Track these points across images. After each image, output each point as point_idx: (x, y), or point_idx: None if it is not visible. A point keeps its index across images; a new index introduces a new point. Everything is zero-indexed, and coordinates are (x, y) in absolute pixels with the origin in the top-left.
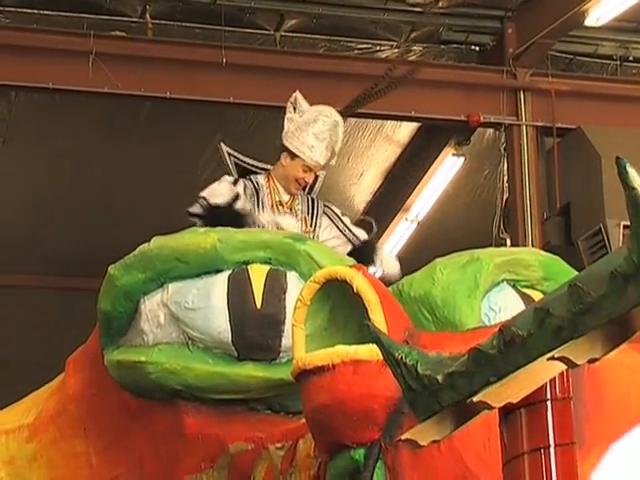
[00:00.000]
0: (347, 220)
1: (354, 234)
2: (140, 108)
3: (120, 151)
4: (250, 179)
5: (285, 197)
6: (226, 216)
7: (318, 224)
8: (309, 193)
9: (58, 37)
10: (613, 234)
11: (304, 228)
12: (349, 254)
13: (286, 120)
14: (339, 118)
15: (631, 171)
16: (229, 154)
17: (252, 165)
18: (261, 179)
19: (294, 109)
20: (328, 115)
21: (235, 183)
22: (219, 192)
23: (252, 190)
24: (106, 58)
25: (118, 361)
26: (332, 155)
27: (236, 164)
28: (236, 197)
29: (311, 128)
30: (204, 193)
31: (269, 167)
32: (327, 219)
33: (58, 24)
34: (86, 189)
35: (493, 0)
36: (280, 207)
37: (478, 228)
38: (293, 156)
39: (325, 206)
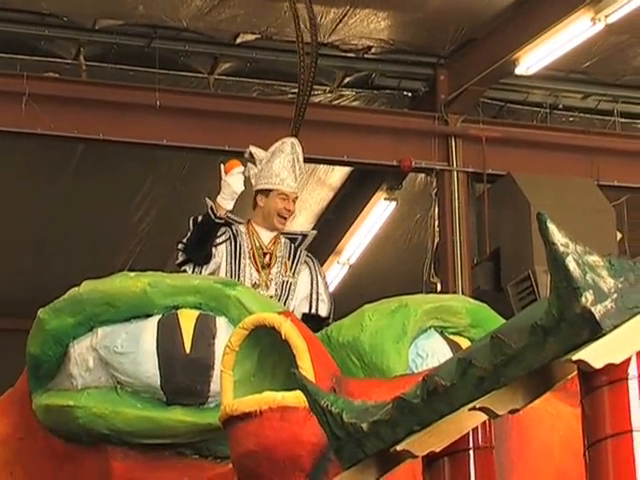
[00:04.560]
0: (322, 285)
1: (317, 307)
2: (73, 149)
3: (52, 192)
4: (229, 226)
5: (266, 241)
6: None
7: (297, 270)
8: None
9: None
10: (542, 280)
11: (283, 271)
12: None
13: (250, 175)
14: (293, 139)
15: (551, 227)
16: (212, 208)
17: (231, 218)
18: (241, 227)
19: (253, 163)
20: (282, 143)
21: None
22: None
23: (230, 235)
24: (39, 99)
25: (46, 405)
26: (301, 175)
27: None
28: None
29: (274, 162)
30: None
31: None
32: (308, 272)
33: None
34: (18, 229)
35: (425, 47)
36: (259, 252)
37: (409, 272)
38: (267, 192)
39: (308, 256)
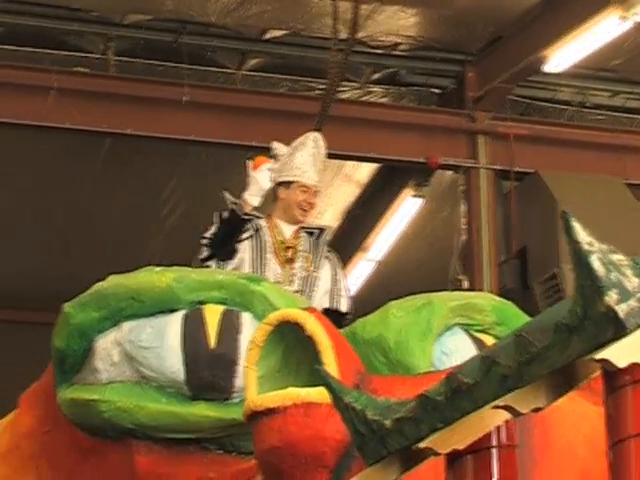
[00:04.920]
0: (343, 281)
1: (339, 302)
2: (101, 144)
3: (80, 186)
4: (251, 222)
5: (287, 235)
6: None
7: (319, 265)
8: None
9: (20, 72)
10: (568, 278)
11: (305, 266)
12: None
13: (272, 169)
14: (316, 134)
15: (575, 225)
16: (232, 202)
17: (252, 214)
18: (262, 222)
19: (275, 158)
20: (305, 137)
21: None
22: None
23: (252, 231)
24: (68, 93)
25: (71, 399)
26: (323, 169)
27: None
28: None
29: (296, 155)
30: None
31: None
32: (329, 266)
33: (21, 59)
34: (45, 224)
35: (454, 44)
36: (281, 246)
37: (436, 269)
38: (288, 185)
39: (328, 251)
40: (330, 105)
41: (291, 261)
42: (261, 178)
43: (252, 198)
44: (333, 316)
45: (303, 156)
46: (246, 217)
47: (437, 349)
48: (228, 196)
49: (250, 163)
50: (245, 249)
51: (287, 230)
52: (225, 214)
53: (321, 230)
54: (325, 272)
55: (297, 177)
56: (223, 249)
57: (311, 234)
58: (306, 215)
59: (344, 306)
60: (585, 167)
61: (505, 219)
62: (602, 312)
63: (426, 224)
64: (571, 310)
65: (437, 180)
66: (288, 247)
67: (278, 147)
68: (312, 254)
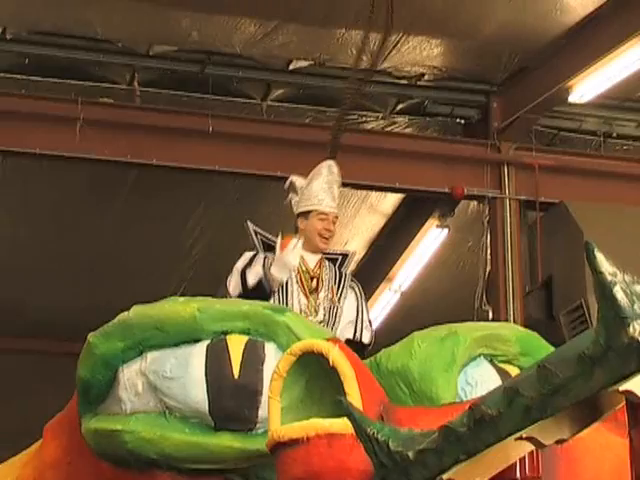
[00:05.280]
0: (366, 312)
1: (362, 333)
2: (126, 174)
3: (106, 217)
4: (273, 251)
5: (312, 264)
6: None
7: (344, 295)
8: (340, 268)
9: (46, 103)
10: (594, 309)
11: (330, 296)
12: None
13: (292, 204)
14: (330, 162)
15: (599, 255)
16: (256, 232)
17: (276, 242)
18: None
19: (294, 192)
20: (320, 166)
21: (251, 262)
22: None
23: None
24: (93, 124)
25: (95, 429)
26: (339, 196)
27: (262, 241)
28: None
29: (312, 185)
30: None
31: None
32: (353, 296)
33: (47, 90)
34: (71, 253)
35: (478, 74)
36: (306, 276)
37: (461, 300)
38: (307, 214)
39: (352, 281)
40: (341, 133)
41: (316, 291)
42: (289, 258)
43: (281, 275)
44: (355, 347)
45: (318, 185)
46: (271, 245)
47: (461, 380)
48: (251, 226)
49: (279, 242)
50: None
51: (311, 260)
52: (252, 282)
53: (344, 256)
54: (349, 302)
55: (314, 206)
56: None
57: (335, 261)
58: (327, 242)
59: (366, 337)
60: (611, 197)
61: (530, 249)
62: (626, 343)
63: (451, 254)
64: (594, 341)
65: (462, 210)
66: (312, 277)
67: (297, 180)
68: (336, 284)
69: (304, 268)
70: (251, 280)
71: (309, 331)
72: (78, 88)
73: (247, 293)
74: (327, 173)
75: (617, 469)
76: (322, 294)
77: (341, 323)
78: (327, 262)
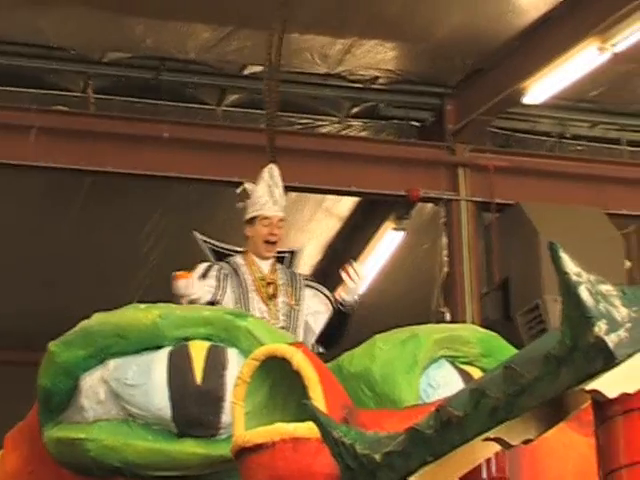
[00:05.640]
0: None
1: (341, 299)
2: (82, 182)
3: (62, 224)
4: (228, 261)
5: (266, 270)
6: None
7: (301, 297)
8: (289, 267)
9: (0, 111)
10: (551, 309)
11: (287, 301)
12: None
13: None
14: (270, 165)
15: (564, 256)
16: (204, 241)
17: (228, 249)
18: (238, 258)
19: (246, 199)
20: (262, 171)
21: (205, 274)
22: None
23: (230, 271)
24: (48, 132)
25: (57, 438)
26: (281, 197)
27: (213, 250)
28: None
29: (256, 191)
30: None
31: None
32: (309, 289)
33: (0, 98)
34: (28, 261)
35: (433, 77)
36: (262, 282)
37: (418, 302)
38: (252, 221)
39: (306, 279)
40: (275, 135)
41: (274, 297)
42: (195, 293)
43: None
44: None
45: (260, 190)
46: (225, 253)
47: (423, 382)
48: (198, 236)
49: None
50: (227, 290)
51: (264, 266)
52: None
53: (292, 254)
54: (310, 299)
55: (257, 211)
56: None
57: (282, 260)
58: (272, 249)
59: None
60: (565, 198)
61: (486, 251)
62: (591, 343)
63: (407, 257)
64: (560, 341)
65: (418, 213)
66: (269, 283)
67: (248, 187)
68: (291, 287)
69: (259, 275)
70: (203, 297)
71: (271, 336)
72: (32, 96)
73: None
74: (268, 177)
75: (580, 468)
76: (280, 299)
77: (301, 327)
78: (279, 265)
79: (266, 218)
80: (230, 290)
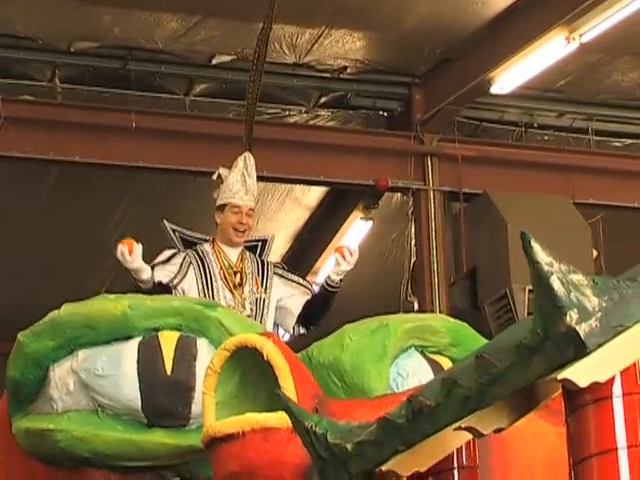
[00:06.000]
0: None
1: (309, 284)
2: (49, 171)
3: (29, 214)
4: (195, 249)
5: (233, 259)
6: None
7: (269, 285)
8: (260, 256)
9: None
10: (519, 298)
11: (255, 289)
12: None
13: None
14: (245, 153)
15: (535, 246)
16: (173, 230)
17: (197, 238)
18: (206, 246)
19: (222, 184)
20: (237, 159)
21: (169, 260)
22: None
23: (196, 259)
24: (15, 122)
25: (26, 429)
26: (253, 187)
27: (182, 239)
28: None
29: (229, 179)
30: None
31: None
32: (278, 277)
33: None
34: None
35: (401, 67)
36: (229, 271)
37: (386, 291)
38: (222, 208)
39: (275, 266)
40: (253, 124)
41: (240, 286)
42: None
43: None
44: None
45: (234, 177)
46: (192, 241)
47: (393, 371)
48: (168, 225)
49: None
50: (191, 279)
51: (232, 254)
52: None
53: (263, 242)
54: (278, 287)
55: (228, 199)
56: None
57: (253, 249)
58: (241, 237)
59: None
60: (533, 187)
61: (455, 240)
62: (563, 332)
63: (375, 246)
64: (532, 331)
65: (386, 202)
66: (236, 272)
67: (223, 173)
68: (260, 275)
69: (226, 263)
70: (158, 277)
71: (241, 326)
72: None
73: (150, 289)
74: (242, 165)
75: (549, 457)
76: (247, 288)
77: (270, 316)
78: (248, 253)
79: (236, 206)
80: (193, 277)
